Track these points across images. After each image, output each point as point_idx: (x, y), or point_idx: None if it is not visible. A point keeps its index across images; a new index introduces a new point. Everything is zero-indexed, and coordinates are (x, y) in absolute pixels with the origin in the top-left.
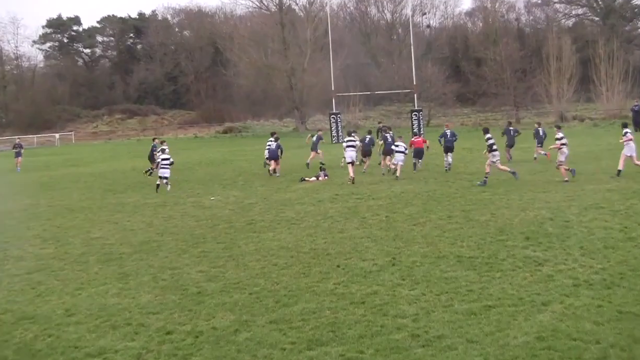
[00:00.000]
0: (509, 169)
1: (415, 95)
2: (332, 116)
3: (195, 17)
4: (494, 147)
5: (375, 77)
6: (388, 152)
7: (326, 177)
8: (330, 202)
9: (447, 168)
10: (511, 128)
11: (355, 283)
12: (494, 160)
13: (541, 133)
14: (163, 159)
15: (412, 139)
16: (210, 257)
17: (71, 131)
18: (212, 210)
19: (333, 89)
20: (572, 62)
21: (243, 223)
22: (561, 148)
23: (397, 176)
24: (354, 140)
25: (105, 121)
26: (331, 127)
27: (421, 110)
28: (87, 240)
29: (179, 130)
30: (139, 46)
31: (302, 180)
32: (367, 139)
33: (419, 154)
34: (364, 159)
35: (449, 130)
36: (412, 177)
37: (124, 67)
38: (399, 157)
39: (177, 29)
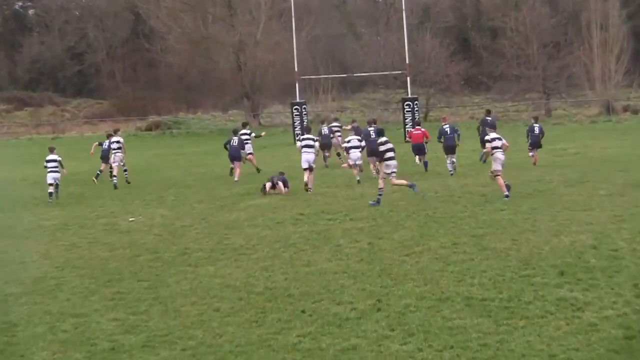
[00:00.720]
0: (406, 182)
1: (408, 78)
2: (296, 107)
3: None
4: (387, 154)
5: (354, 54)
6: (372, 152)
7: (286, 189)
8: (292, 224)
9: (451, 172)
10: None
11: (326, 335)
12: (388, 172)
13: (537, 131)
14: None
15: (411, 130)
16: (129, 300)
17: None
18: (131, 236)
19: (297, 69)
20: (622, 33)
21: (174, 253)
22: (493, 153)
23: (358, 180)
24: (312, 139)
25: None
26: (294, 122)
27: (416, 99)
28: None
29: (85, 127)
30: (30, 11)
31: (264, 190)
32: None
33: (419, 150)
34: (325, 152)
35: (447, 125)
36: (401, 189)
37: (9, 40)
38: (353, 156)
39: None
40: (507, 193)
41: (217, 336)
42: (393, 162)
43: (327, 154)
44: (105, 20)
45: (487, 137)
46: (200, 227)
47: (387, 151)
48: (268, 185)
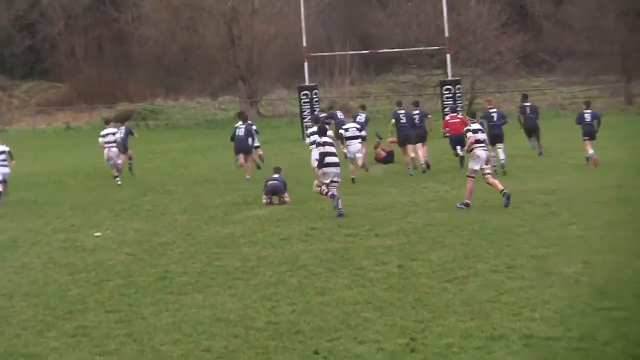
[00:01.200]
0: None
1: (448, 56)
2: (304, 93)
3: None
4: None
5: (379, 26)
6: (406, 139)
7: (286, 197)
8: (302, 240)
9: (497, 170)
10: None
11: None
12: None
13: (589, 118)
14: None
15: (446, 119)
16: (95, 337)
17: None
18: (97, 255)
19: (305, 45)
20: None
21: (151, 278)
22: (472, 149)
23: (352, 178)
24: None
25: None
26: (302, 112)
27: (459, 83)
28: None
29: (38, 117)
30: None
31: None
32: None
33: (459, 142)
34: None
35: (494, 110)
36: (441, 195)
37: None
38: (353, 148)
39: None
40: (467, 201)
41: None
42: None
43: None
44: None
45: (468, 127)
46: (185, 244)
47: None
48: (265, 198)
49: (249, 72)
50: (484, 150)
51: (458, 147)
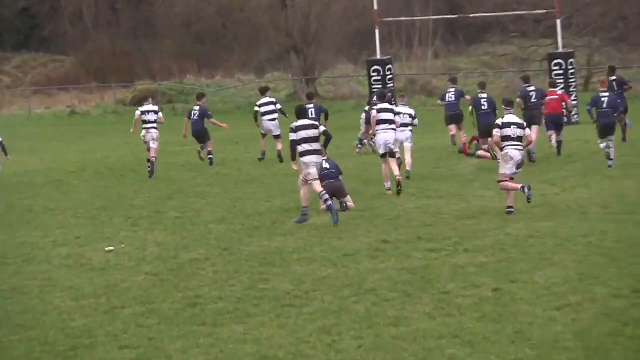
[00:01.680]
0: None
1: (558, 22)
2: (375, 69)
3: None
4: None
5: None
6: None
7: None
8: (370, 257)
9: (610, 164)
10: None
11: None
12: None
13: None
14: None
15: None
16: None
17: None
18: (109, 276)
19: (376, 7)
20: None
21: (178, 305)
22: (504, 147)
23: (408, 172)
24: (391, 111)
25: None
26: (373, 93)
27: (572, 56)
28: None
29: (34, 98)
30: None
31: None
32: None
33: (555, 123)
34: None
35: (605, 95)
36: (549, 200)
37: None
38: (383, 138)
39: None
40: (510, 207)
41: None
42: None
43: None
44: None
45: (498, 121)
46: (221, 261)
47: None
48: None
49: (305, 42)
50: (517, 149)
51: (552, 133)
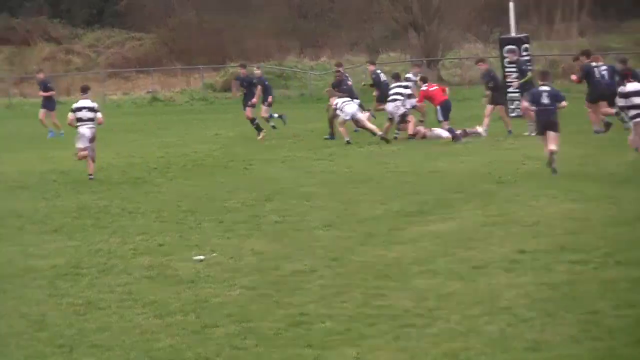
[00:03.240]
0: None
1: None
2: (510, 48)
3: None
4: None
5: None
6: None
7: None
8: (505, 270)
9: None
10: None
11: None
12: None
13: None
14: None
15: None
16: None
17: None
18: (198, 290)
19: None
20: None
21: (280, 324)
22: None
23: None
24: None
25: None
26: (506, 77)
27: None
28: None
29: (110, 82)
30: None
31: None
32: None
33: None
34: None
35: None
36: None
37: None
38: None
39: None
40: None
41: None
42: None
43: None
44: None
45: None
46: (329, 274)
47: None
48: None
49: (426, 18)
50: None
51: None
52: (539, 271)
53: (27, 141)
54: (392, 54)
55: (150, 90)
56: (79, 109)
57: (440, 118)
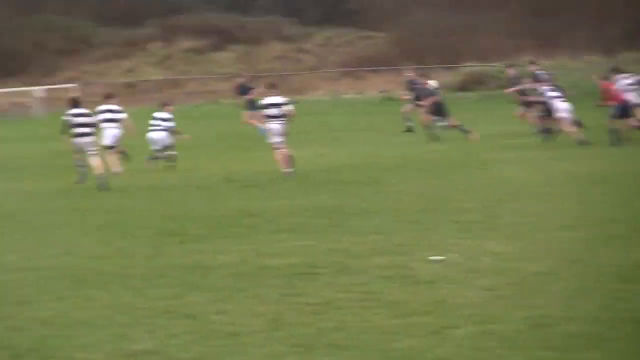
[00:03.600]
0: None
1: None
2: None
3: None
4: None
5: None
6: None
7: None
8: None
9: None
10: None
11: None
12: None
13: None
14: None
15: None
16: None
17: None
18: (436, 290)
19: None
20: None
21: (520, 325)
22: None
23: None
24: None
25: (157, 54)
26: None
27: None
28: None
29: (341, 82)
30: None
31: None
32: None
33: None
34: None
35: None
36: None
37: None
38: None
39: None
40: None
41: None
42: None
43: None
44: None
45: None
46: (570, 275)
47: None
48: None
49: None
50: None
51: None
52: None
53: (258, 140)
54: (628, 55)
55: (382, 89)
56: (268, 106)
57: None
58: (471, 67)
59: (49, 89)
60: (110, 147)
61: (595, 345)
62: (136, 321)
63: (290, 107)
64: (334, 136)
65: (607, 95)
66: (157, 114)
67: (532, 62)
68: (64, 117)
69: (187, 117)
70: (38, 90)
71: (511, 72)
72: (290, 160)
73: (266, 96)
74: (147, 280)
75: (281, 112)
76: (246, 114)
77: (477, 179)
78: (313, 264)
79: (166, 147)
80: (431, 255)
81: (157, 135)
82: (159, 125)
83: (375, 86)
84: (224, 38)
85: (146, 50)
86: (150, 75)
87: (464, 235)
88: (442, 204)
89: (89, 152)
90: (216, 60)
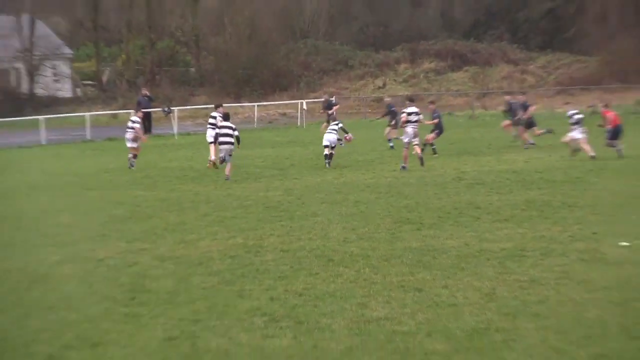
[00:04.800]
0: None
1: None
2: None
3: None
4: None
5: None
6: None
7: None
8: None
9: None
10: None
11: None
12: None
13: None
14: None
15: None
16: None
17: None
18: (621, 270)
19: None
20: None
21: None
22: None
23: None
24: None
25: (402, 74)
26: None
27: None
28: (359, 324)
29: (556, 98)
30: None
31: None
32: None
33: None
34: None
35: None
36: None
37: None
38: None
39: None
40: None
41: None
42: None
43: None
44: None
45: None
46: None
47: None
48: None
49: None
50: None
51: None
52: None
53: (487, 146)
54: None
55: (591, 105)
56: (409, 114)
57: None
58: None
59: (309, 102)
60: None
61: None
62: (374, 293)
63: (420, 117)
64: (547, 143)
65: None
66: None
67: None
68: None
69: None
70: (303, 103)
71: None
72: (420, 159)
73: (407, 107)
74: (385, 260)
75: (416, 119)
76: (505, 122)
77: None
78: (523, 248)
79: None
80: (621, 242)
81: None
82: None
83: (585, 102)
84: (460, 60)
85: (395, 70)
86: (397, 91)
87: None
88: (635, 200)
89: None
90: (452, 79)
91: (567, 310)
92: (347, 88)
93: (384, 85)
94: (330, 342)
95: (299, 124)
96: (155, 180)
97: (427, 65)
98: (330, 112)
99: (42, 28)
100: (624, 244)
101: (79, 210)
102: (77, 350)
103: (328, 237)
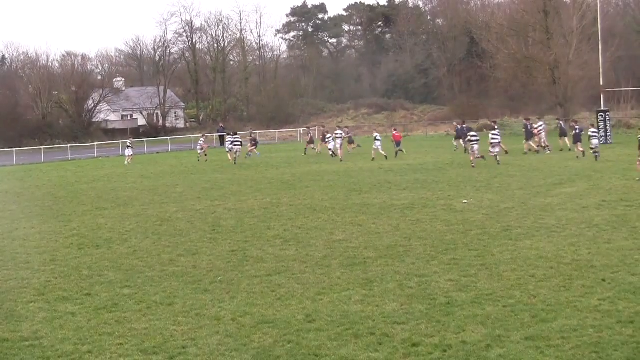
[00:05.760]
0: None
1: None
2: (600, 114)
3: (449, 5)
4: None
5: None
6: None
7: None
8: (596, 208)
9: None
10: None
11: (623, 300)
12: None
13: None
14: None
15: None
16: (461, 265)
17: (314, 126)
18: (463, 215)
19: (602, 84)
20: None
21: (498, 229)
22: None
23: None
24: None
25: (351, 116)
26: (598, 126)
27: None
28: (330, 243)
29: (429, 127)
30: (387, 36)
31: None
32: None
33: None
34: None
35: None
36: None
37: (371, 59)
38: None
39: (429, 17)
40: None
41: (532, 297)
42: None
43: None
44: (446, 43)
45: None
46: (520, 209)
47: None
48: None
49: (564, 101)
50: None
51: None
52: (611, 209)
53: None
54: (550, 117)
55: (446, 130)
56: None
57: None
58: (483, 121)
59: (303, 129)
60: None
61: (529, 238)
62: (337, 227)
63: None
64: (424, 151)
65: None
66: None
67: None
68: None
69: None
70: (300, 130)
71: None
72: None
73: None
74: (342, 210)
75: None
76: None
77: (478, 170)
78: (412, 203)
79: None
80: (463, 200)
81: None
82: None
83: (443, 129)
84: (380, 108)
85: (347, 113)
86: (348, 123)
87: (477, 192)
88: (468, 179)
89: None
90: (376, 118)
91: (436, 236)
92: (322, 122)
93: (342, 120)
94: (315, 252)
95: (298, 140)
96: (225, 168)
97: (363, 110)
98: (327, 136)
99: (169, 92)
100: (464, 201)
101: (185, 184)
102: (184, 257)
103: (313, 198)
